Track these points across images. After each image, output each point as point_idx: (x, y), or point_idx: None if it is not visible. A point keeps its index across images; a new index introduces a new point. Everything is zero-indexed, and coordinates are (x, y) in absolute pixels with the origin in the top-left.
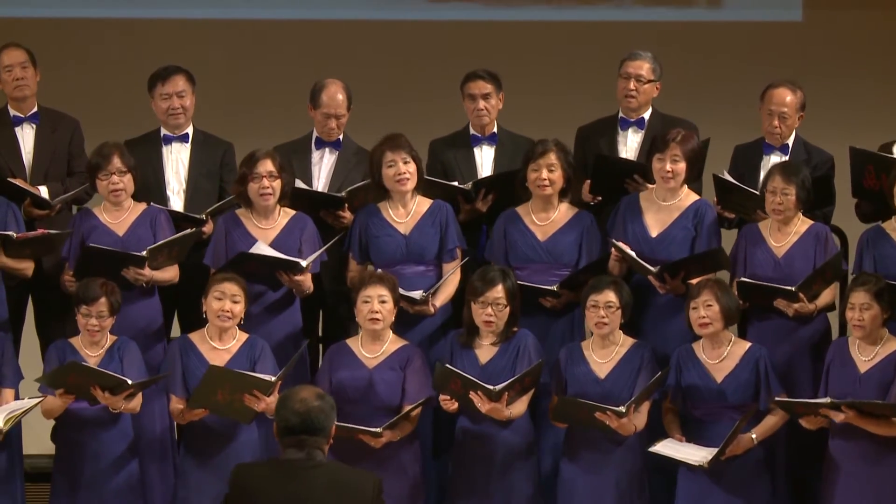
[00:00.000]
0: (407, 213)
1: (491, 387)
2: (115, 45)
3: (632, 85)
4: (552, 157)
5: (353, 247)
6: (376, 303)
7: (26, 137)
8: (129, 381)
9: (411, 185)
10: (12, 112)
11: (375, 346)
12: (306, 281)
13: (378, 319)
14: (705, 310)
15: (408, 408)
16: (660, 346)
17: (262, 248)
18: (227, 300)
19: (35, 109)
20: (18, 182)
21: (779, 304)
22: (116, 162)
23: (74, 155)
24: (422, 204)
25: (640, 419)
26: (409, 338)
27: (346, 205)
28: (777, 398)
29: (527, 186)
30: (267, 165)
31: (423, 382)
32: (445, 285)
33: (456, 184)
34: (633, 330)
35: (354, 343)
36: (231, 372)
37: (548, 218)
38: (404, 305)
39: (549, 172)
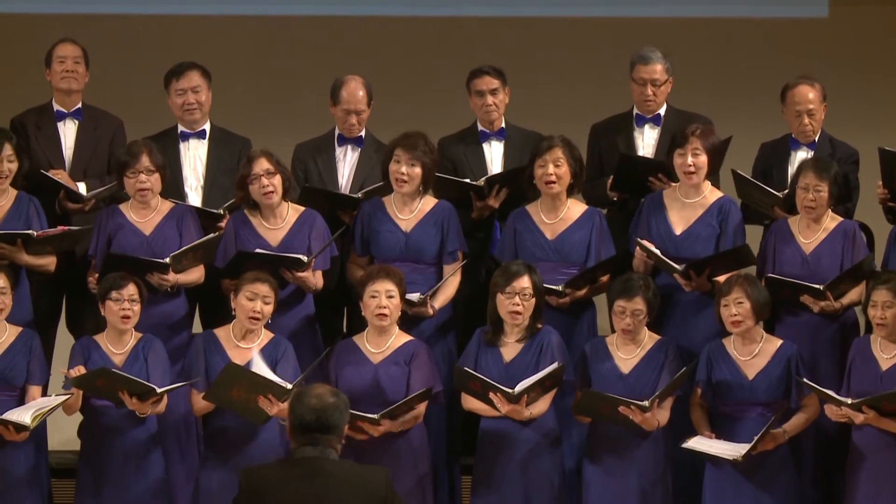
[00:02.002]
0: (411, 210)
1: (510, 390)
2: (139, 42)
3: (649, 91)
4: (558, 153)
5: (356, 238)
6: (384, 298)
7: (68, 133)
8: (158, 389)
9: (407, 188)
10: (56, 107)
11: (381, 341)
12: (310, 277)
13: (385, 315)
14: (736, 307)
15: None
16: (685, 343)
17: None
18: (258, 301)
19: (79, 106)
20: (55, 175)
21: (805, 300)
22: (145, 160)
23: (114, 154)
24: (427, 203)
25: (663, 415)
26: None
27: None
28: (805, 380)
29: (534, 184)
30: (263, 164)
31: (427, 377)
32: (445, 287)
33: (468, 180)
34: (658, 328)
35: (360, 339)
36: (248, 372)
37: (556, 216)
38: (402, 306)
39: (555, 168)
